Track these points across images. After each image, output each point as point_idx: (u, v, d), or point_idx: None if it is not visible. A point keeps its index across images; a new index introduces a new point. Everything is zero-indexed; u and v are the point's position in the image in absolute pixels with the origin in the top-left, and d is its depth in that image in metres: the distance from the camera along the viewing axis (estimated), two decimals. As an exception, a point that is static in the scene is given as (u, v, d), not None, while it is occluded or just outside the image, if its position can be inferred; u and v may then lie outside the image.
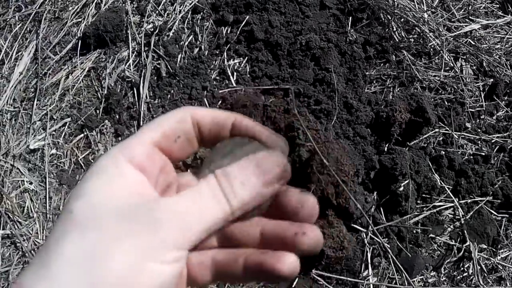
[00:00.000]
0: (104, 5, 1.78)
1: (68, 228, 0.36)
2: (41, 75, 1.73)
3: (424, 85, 1.59)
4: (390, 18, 1.67)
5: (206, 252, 0.45)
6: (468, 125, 1.55)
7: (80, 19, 1.80)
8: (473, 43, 1.67)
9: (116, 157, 0.42)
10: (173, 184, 0.46)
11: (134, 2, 1.78)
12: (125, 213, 0.38)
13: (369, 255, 1.38)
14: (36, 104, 1.70)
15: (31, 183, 1.61)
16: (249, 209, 0.43)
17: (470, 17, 1.72)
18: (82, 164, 1.59)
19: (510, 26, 1.74)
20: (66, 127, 1.65)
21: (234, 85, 1.56)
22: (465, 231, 1.42)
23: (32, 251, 1.51)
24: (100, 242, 0.35)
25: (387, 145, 1.47)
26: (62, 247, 0.35)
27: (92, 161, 1.59)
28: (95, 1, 1.80)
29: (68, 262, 0.34)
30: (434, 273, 1.40)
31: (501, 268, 1.39)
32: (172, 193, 0.46)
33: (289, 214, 0.44)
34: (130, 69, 1.66)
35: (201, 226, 0.40)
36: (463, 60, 1.65)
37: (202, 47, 1.65)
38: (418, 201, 1.45)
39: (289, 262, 0.41)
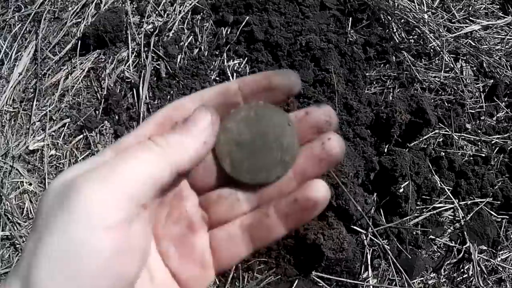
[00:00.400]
0: (104, 5, 1.79)
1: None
2: (40, 75, 1.74)
3: (424, 86, 1.60)
4: (390, 19, 1.68)
5: (230, 224, 0.45)
6: (468, 126, 1.56)
7: (79, 20, 1.80)
8: (473, 44, 1.68)
9: (106, 151, 0.43)
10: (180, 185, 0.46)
11: (133, 3, 1.78)
12: (57, 197, 0.38)
13: (369, 256, 1.39)
14: (36, 104, 1.70)
15: (30, 184, 1.61)
16: (190, 164, 0.42)
17: (470, 18, 1.73)
18: (82, 165, 1.60)
19: (510, 27, 1.75)
20: (66, 127, 1.66)
21: (234, 86, 1.57)
22: (465, 233, 1.43)
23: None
24: (39, 226, 0.37)
25: (387, 146, 1.48)
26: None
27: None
28: (95, 2, 1.81)
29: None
30: (434, 274, 1.41)
31: (501, 269, 1.40)
32: None
33: (320, 129, 0.44)
34: (130, 70, 1.67)
35: (144, 190, 0.38)
36: (463, 61, 1.66)
37: (202, 47, 1.66)
38: (418, 203, 1.45)
39: (321, 186, 0.42)
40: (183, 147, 0.42)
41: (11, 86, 1.76)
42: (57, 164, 1.63)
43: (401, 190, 1.40)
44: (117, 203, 0.37)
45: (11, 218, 1.56)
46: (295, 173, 0.45)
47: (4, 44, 1.84)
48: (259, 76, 0.45)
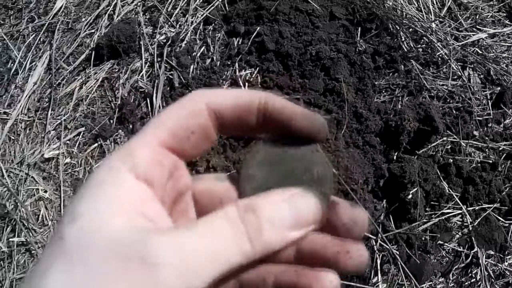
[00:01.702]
0: (117, 16, 1.88)
1: (57, 258, 0.32)
2: (55, 85, 1.83)
3: (432, 94, 1.67)
4: (398, 28, 1.76)
5: None
6: (475, 133, 1.63)
7: (93, 30, 1.90)
8: (480, 52, 1.76)
9: (115, 168, 0.37)
10: (186, 193, 0.42)
11: (146, 14, 1.88)
12: (118, 249, 0.32)
13: (378, 261, 1.45)
14: (51, 113, 1.79)
15: (45, 191, 1.69)
16: (272, 253, 0.38)
17: (477, 26, 1.81)
18: (96, 173, 1.68)
19: (517, 35, 1.82)
20: (80, 136, 1.74)
21: (246, 95, 1.65)
22: (473, 238, 1.49)
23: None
24: (86, 281, 0.31)
25: (396, 154, 1.55)
26: (46, 283, 0.31)
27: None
28: (108, 13, 1.90)
29: None
30: (443, 279, 1.47)
31: (508, 274, 1.45)
32: (184, 207, 0.43)
33: (338, 230, 0.40)
34: (143, 80, 1.75)
35: (211, 271, 0.34)
36: (471, 69, 1.73)
37: (214, 58, 1.75)
38: (427, 209, 1.52)
39: (328, 282, 0.38)
40: (273, 243, 0.37)
41: (26, 96, 1.84)
42: (72, 172, 1.70)
43: (410, 197, 1.47)
44: None
45: (26, 224, 1.63)
46: (298, 251, 0.40)
47: (18, 54, 1.93)
48: (286, 108, 0.41)
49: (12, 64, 1.93)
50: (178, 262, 0.32)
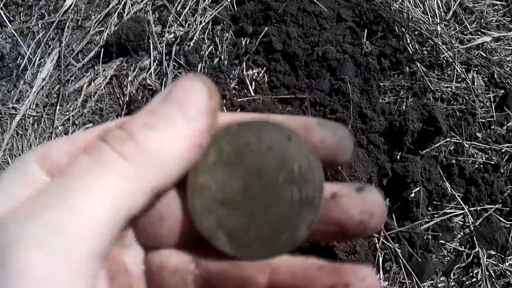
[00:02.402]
0: (127, 14, 1.93)
1: None
2: (63, 81, 1.87)
3: (437, 96, 1.72)
4: (404, 30, 1.81)
5: None
6: (478, 135, 1.68)
7: (102, 28, 1.95)
8: (484, 55, 1.80)
9: (25, 160, 0.32)
10: None
11: (155, 13, 1.93)
12: None
13: (380, 259, 1.49)
14: (59, 109, 1.83)
15: None
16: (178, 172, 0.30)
17: (482, 30, 1.85)
18: (104, 169, 1.73)
19: (521, 39, 1.87)
20: None
21: (253, 94, 1.70)
22: (475, 238, 1.53)
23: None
24: None
25: (399, 154, 1.60)
26: None
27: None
28: (118, 11, 1.95)
29: None
30: (444, 278, 1.51)
31: (509, 274, 1.50)
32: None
33: (347, 230, 0.32)
34: (152, 77, 1.81)
35: (96, 242, 0.27)
36: (475, 72, 1.78)
37: (222, 57, 1.80)
38: (429, 208, 1.56)
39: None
40: (167, 152, 0.30)
41: (35, 91, 1.89)
42: None
43: (413, 196, 1.51)
44: (72, 270, 0.26)
45: None
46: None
47: (27, 51, 1.98)
48: (291, 121, 0.33)
49: (21, 60, 1.97)
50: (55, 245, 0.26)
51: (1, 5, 2.06)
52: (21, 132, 1.84)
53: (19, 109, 1.87)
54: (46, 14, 2.05)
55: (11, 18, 2.08)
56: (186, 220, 0.32)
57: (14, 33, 2.02)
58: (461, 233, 1.56)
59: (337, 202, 0.31)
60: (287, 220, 0.31)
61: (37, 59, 1.96)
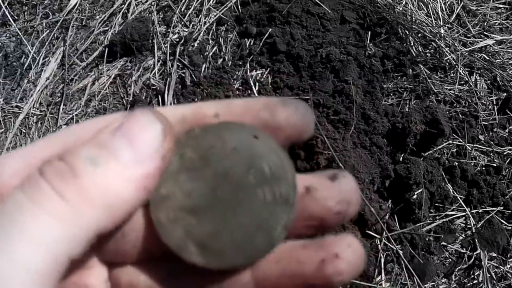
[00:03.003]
0: (131, 14, 1.96)
1: None
2: (67, 80, 1.89)
3: (440, 98, 1.74)
4: (407, 33, 1.83)
5: None
6: (481, 137, 1.69)
7: (107, 28, 1.97)
8: (487, 58, 1.82)
9: None
10: None
11: (160, 13, 1.96)
12: None
13: (382, 260, 1.50)
14: (63, 108, 1.85)
15: None
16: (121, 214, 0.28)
17: (485, 33, 1.88)
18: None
19: (524, 42, 1.89)
20: None
21: (256, 94, 1.72)
22: (476, 240, 1.54)
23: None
24: None
25: (402, 155, 1.61)
26: None
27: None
28: (122, 11, 1.98)
29: None
30: (445, 280, 1.51)
31: (510, 276, 1.51)
32: None
33: (325, 221, 0.30)
34: (156, 77, 1.83)
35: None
36: (478, 75, 1.80)
37: (226, 57, 1.83)
38: (431, 210, 1.57)
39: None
40: (111, 193, 0.27)
41: (39, 90, 1.91)
42: None
43: (415, 197, 1.53)
44: None
45: None
46: (258, 281, 0.30)
47: (32, 50, 2.00)
48: (255, 104, 0.32)
49: (25, 59, 2.00)
50: None
51: (6, 4, 2.08)
52: (24, 131, 1.86)
53: (23, 107, 1.89)
54: (50, 14, 2.07)
55: (16, 17, 2.10)
56: (151, 234, 0.30)
57: (18, 32, 2.04)
58: (463, 235, 1.57)
59: (313, 196, 0.30)
60: (261, 222, 0.30)
61: (41, 58, 1.98)
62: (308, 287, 0.29)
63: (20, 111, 1.89)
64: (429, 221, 1.56)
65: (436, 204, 1.58)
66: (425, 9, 1.91)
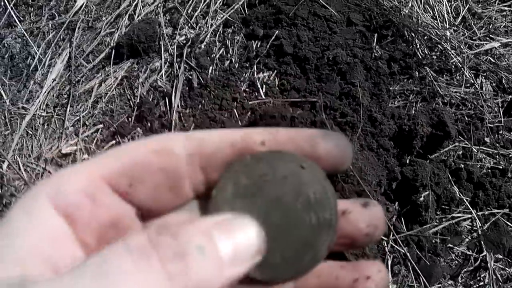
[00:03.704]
0: (137, 16, 1.97)
1: None
2: (74, 82, 1.90)
3: (446, 101, 1.75)
4: (414, 35, 1.84)
5: None
6: (487, 139, 1.71)
7: (113, 29, 1.98)
8: (493, 60, 1.84)
9: (34, 196, 0.31)
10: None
11: (167, 15, 1.97)
12: None
13: (389, 262, 1.51)
14: (69, 110, 1.86)
15: None
16: None
17: (490, 36, 1.89)
18: (114, 169, 1.75)
19: (530, 45, 1.90)
20: (98, 133, 1.81)
21: (263, 97, 1.74)
22: (482, 242, 1.55)
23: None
24: None
25: (408, 157, 1.63)
26: None
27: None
28: (129, 13, 1.99)
29: None
30: (452, 281, 1.52)
31: None
32: None
33: (356, 241, 0.36)
34: (163, 79, 1.84)
35: None
36: (483, 77, 1.81)
37: (233, 59, 1.84)
38: (438, 212, 1.58)
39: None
40: (206, 283, 0.29)
41: (45, 92, 1.92)
42: None
43: (422, 200, 1.54)
44: None
45: None
46: None
47: (38, 51, 2.02)
48: (298, 137, 0.35)
49: (31, 60, 2.01)
50: None
51: (11, 5, 2.09)
52: (31, 132, 1.86)
53: (29, 109, 1.90)
54: (56, 15, 2.08)
55: (21, 18, 2.11)
56: None
57: (24, 33, 2.05)
58: (469, 237, 1.58)
59: (347, 218, 0.35)
60: (308, 242, 0.35)
61: (48, 59, 1.99)
62: None
63: (26, 113, 1.90)
64: (435, 223, 1.57)
65: (443, 206, 1.60)
66: (431, 12, 1.92)
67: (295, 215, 0.34)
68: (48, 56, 2.00)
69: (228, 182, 0.35)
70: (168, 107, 1.78)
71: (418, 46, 1.84)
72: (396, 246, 1.52)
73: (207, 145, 0.34)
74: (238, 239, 0.31)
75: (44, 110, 1.90)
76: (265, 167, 0.35)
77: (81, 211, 0.31)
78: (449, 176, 1.62)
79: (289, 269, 0.35)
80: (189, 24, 1.94)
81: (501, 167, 1.66)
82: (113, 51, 1.91)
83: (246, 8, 1.93)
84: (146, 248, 0.28)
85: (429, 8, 1.92)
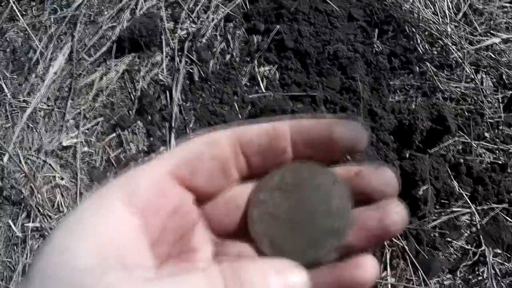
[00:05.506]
0: (139, 10, 1.99)
1: None
2: (75, 75, 1.92)
3: (446, 96, 1.76)
4: (414, 30, 1.86)
5: None
6: (486, 135, 1.71)
7: (115, 24, 2.00)
8: (493, 56, 1.84)
9: (107, 195, 0.35)
10: (192, 231, 0.40)
11: (168, 9, 1.99)
12: None
13: (388, 256, 1.52)
14: (70, 103, 1.88)
15: (62, 179, 1.76)
16: None
17: (491, 31, 1.90)
18: (114, 162, 1.76)
19: (530, 41, 1.92)
20: (99, 126, 1.82)
21: (264, 91, 1.75)
22: (481, 237, 1.56)
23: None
24: None
25: (408, 152, 1.63)
26: None
27: (123, 159, 1.76)
28: (130, 7, 2.01)
29: None
30: (450, 275, 1.53)
31: None
32: (187, 246, 0.40)
33: (371, 196, 0.40)
34: (164, 73, 1.86)
35: None
36: (484, 73, 1.82)
37: (234, 54, 1.85)
38: (437, 206, 1.58)
39: (370, 265, 0.37)
40: None
41: (46, 85, 1.94)
42: (90, 161, 1.78)
43: (421, 194, 1.55)
44: None
45: (42, 210, 1.71)
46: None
47: (39, 45, 2.04)
48: (318, 124, 0.40)
49: (33, 54, 2.03)
50: None
51: (14, -1, 2.11)
52: (32, 125, 1.88)
53: (30, 102, 1.92)
54: (58, 9, 2.10)
55: (23, 12, 2.13)
56: (244, 220, 0.42)
57: (26, 27, 2.07)
58: (468, 232, 1.59)
59: (361, 176, 0.40)
60: (316, 241, 0.40)
61: (49, 53, 2.00)
62: (372, 238, 0.39)
63: (27, 106, 1.92)
64: (434, 217, 1.57)
65: (442, 201, 1.60)
66: (432, 7, 1.94)
67: (314, 216, 0.40)
68: (50, 50, 2.02)
69: (276, 175, 0.42)
70: (169, 100, 1.80)
71: (419, 41, 1.85)
72: (394, 240, 1.53)
73: (246, 135, 0.40)
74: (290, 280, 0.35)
75: (45, 103, 1.92)
76: (307, 173, 0.42)
77: (154, 207, 0.35)
78: (449, 170, 1.63)
79: (294, 257, 0.39)
80: (191, 19, 1.96)
81: (500, 162, 1.67)
82: (115, 45, 1.93)
83: (247, 3, 1.94)
84: (219, 284, 0.32)
85: (430, 4, 1.94)
